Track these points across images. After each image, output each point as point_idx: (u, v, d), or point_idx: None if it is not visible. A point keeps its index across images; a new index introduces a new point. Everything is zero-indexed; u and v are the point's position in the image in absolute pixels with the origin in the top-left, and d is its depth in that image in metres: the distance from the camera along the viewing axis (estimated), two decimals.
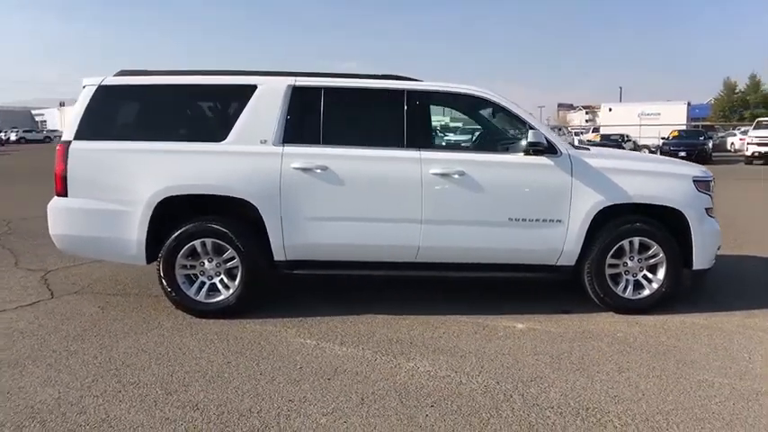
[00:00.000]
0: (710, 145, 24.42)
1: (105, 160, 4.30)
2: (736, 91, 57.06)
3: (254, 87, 4.37)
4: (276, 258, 4.36)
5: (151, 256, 4.35)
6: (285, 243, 4.29)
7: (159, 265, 4.31)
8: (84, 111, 4.32)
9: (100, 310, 4.53)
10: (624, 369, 3.49)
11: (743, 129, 31.62)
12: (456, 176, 4.27)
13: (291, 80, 4.40)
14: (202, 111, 4.57)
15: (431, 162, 4.29)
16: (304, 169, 4.24)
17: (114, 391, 3.16)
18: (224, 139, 4.31)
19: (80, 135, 4.29)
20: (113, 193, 4.26)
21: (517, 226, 4.34)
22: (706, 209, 4.48)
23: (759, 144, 21.31)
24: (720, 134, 35.24)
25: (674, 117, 30.86)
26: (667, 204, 4.38)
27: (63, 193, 4.30)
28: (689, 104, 33.77)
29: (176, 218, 4.32)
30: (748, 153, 21.62)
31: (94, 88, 4.36)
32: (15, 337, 3.95)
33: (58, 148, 4.33)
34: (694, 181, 4.47)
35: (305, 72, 4.51)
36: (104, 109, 4.39)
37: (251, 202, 4.23)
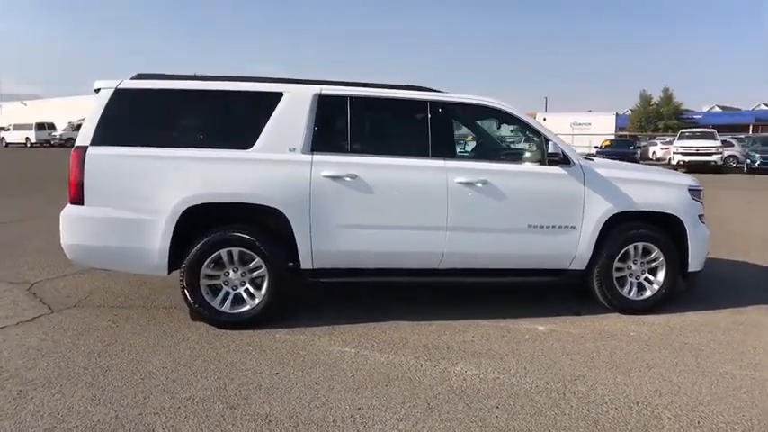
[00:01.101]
0: (639, 154, 26.19)
1: (126, 167, 4.12)
2: (652, 103, 61.41)
3: (279, 95, 4.34)
4: (303, 267, 4.34)
5: (171, 266, 4.21)
6: (313, 251, 4.28)
7: (182, 276, 4.18)
8: (101, 115, 4.13)
9: (112, 324, 4.32)
10: (652, 365, 3.76)
11: (667, 139, 34.00)
12: (479, 185, 4.43)
13: (317, 88, 4.40)
14: (227, 117, 4.46)
15: (456, 171, 4.42)
16: (334, 177, 4.25)
17: (173, 407, 3.05)
18: (251, 147, 4.25)
19: (97, 140, 4.10)
20: (135, 201, 4.10)
21: (535, 232, 4.55)
22: (699, 215, 4.88)
23: (684, 153, 23.11)
24: (643, 143, 37.82)
25: (603, 127, 32.84)
26: (667, 211, 4.74)
27: (78, 200, 4.08)
28: (617, 115, 35.99)
29: (198, 227, 4.21)
30: (674, 162, 23.37)
31: (111, 92, 4.17)
32: (33, 354, 3.71)
33: (72, 153, 4.10)
34: (689, 190, 4.87)
35: (329, 80, 4.52)
36: (122, 113, 4.21)
37: (280, 210, 4.19)
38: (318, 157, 4.28)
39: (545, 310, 4.85)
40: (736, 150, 24.96)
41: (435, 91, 4.69)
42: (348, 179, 4.27)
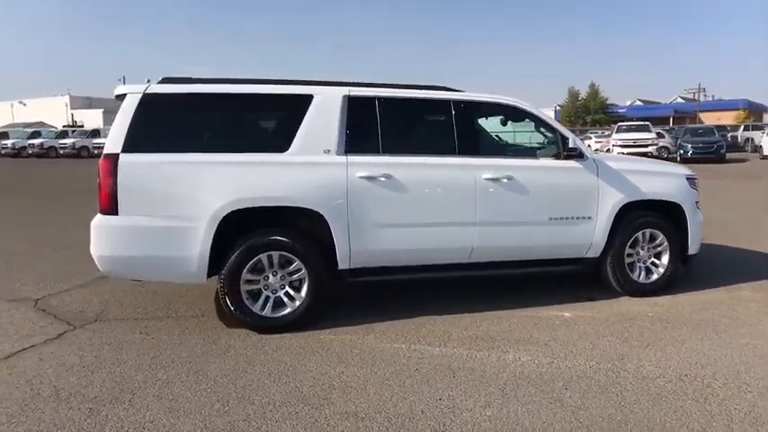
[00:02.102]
0: None
1: (163, 174, 4.01)
2: (579, 98, 64.48)
3: (310, 97, 4.35)
4: (340, 267, 4.38)
5: (209, 273, 4.15)
6: (351, 251, 4.33)
7: (223, 282, 4.12)
8: (131, 121, 4.00)
9: (146, 336, 4.20)
10: (681, 341, 4.07)
11: (600, 132, 35.75)
12: (505, 180, 4.62)
13: (346, 90, 4.44)
14: (260, 120, 4.43)
15: (483, 168, 4.59)
16: (369, 178, 4.32)
17: (258, 413, 3.04)
18: (286, 150, 4.24)
19: (129, 147, 3.97)
20: (172, 208, 4.00)
21: (556, 224, 4.80)
22: (695, 202, 5.29)
23: (622, 145, 24.49)
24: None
25: None
26: (670, 200, 5.12)
27: (112, 210, 3.94)
28: (556, 110, 37.50)
29: (233, 233, 4.16)
30: (614, 154, 24.70)
31: (138, 97, 4.05)
32: (81, 371, 3.56)
33: (102, 162, 3.95)
34: (687, 179, 5.27)
35: (356, 82, 4.57)
36: (152, 119, 4.09)
37: (319, 211, 4.22)
38: (353, 159, 4.33)
39: (562, 297, 5.11)
40: (667, 141, 26.70)
41: (456, 90, 4.84)
42: (383, 179, 4.34)
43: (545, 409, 3.08)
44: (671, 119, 55.86)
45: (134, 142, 3.98)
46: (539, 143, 5.14)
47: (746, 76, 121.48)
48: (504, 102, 4.88)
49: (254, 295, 4.24)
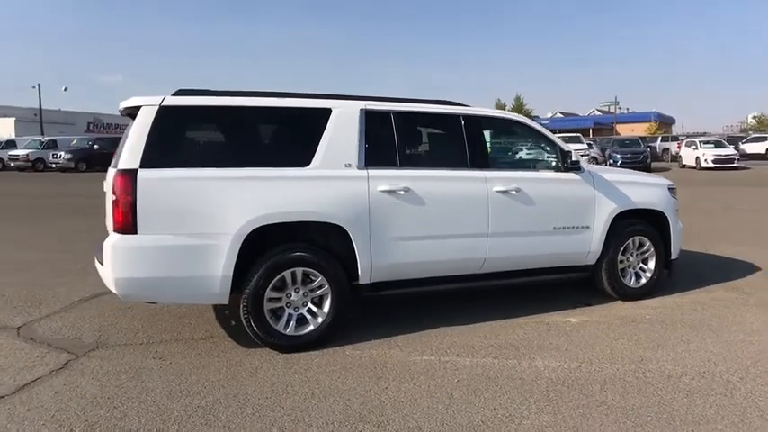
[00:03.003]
0: None
1: (184, 190, 3.84)
2: (506, 110, 67.06)
3: (328, 111, 4.32)
4: (361, 281, 4.35)
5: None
6: (373, 265, 4.32)
7: (246, 302, 3.98)
8: (148, 135, 3.80)
9: (162, 362, 3.98)
10: (686, 341, 4.35)
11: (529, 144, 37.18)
12: (514, 192, 4.77)
13: (362, 104, 4.45)
14: (281, 134, 4.32)
15: (493, 180, 4.73)
16: (389, 191, 4.33)
17: None
18: (308, 164, 4.18)
19: (147, 163, 3.77)
20: (194, 225, 3.84)
21: (559, 233, 5.00)
22: (675, 210, 5.69)
23: None
24: None
25: None
26: (656, 208, 5.47)
27: (130, 229, 3.72)
28: None
29: (253, 250, 4.04)
30: None
31: (155, 110, 3.86)
32: (109, 403, 3.32)
33: (118, 178, 3.73)
34: (668, 189, 5.66)
35: (370, 96, 4.58)
36: (170, 133, 3.91)
37: (343, 226, 4.18)
38: (373, 172, 4.33)
39: (560, 303, 5.32)
40: (595, 152, 28.32)
41: (463, 105, 4.95)
42: (402, 192, 4.37)
43: (595, 412, 3.21)
44: (590, 130, 59.33)
45: (152, 157, 3.79)
46: (536, 156, 5.34)
47: (656, 89, 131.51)
48: (509, 117, 5.07)
49: (277, 314, 4.13)
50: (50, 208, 14.49)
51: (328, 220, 4.14)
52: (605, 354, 4.10)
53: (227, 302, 4.02)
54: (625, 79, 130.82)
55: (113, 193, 3.76)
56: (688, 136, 38.63)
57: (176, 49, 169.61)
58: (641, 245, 5.45)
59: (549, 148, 5.19)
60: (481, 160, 4.79)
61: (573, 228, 5.05)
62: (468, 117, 4.79)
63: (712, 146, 27.96)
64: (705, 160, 26.55)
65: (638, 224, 5.39)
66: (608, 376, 3.70)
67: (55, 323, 4.85)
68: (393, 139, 4.50)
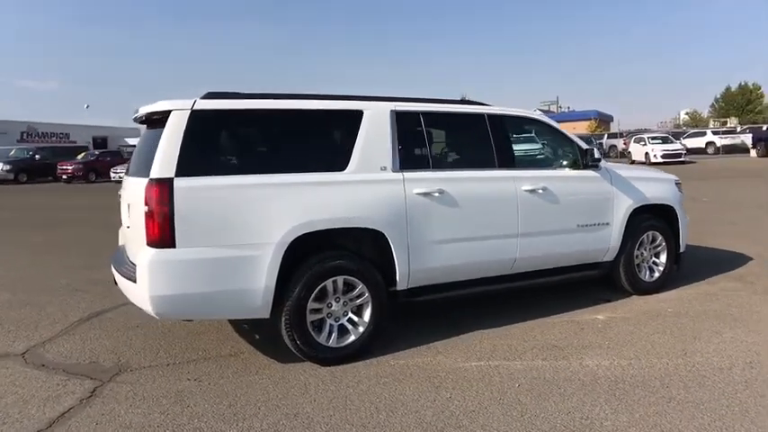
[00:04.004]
0: None
1: (223, 198, 3.59)
2: None
3: (360, 113, 4.17)
4: (399, 287, 4.22)
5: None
6: (411, 270, 4.19)
7: (288, 315, 3.77)
8: (182, 142, 3.54)
9: (199, 383, 3.71)
10: (718, 332, 4.44)
11: None
12: (540, 191, 4.75)
13: (392, 105, 4.32)
14: (316, 138, 4.11)
15: (521, 180, 4.69)
16: (425, 194, 4.22)
17: None
18: (345, 168, 4.01)
19: (183, 171, 3.51)
20: (235, 236, 3.60)
21: (583, 231, 5.03)
22: (682, 204, 5.83)
23: None
24: None
25: None
26: (667, 203, 5.59)
27: (168, 242, 3.44)
28: None
29: (292, 259, 3.84)
30: None
31: (186, 114, 3.60)
32: None
33: (152, 188, 3.45)
34: (676, 184, 5.80)
35: (397, 97, 4.46)
36: (204, 138, 3.66)
37: (382, 231, 4.03)
38: (408, 175, 4.21)
39: (580, 301, 5.33)
40: (547, 152, 29.11)
41: (484, 104, 4.89)
42: (437, 195, 4.27)
43: (668, 408, 3.20)
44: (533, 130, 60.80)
45: (187, 165, 3.53)
46: (556, 154, 5.34)
47: (595, 88, 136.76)
48: (530, 116, 5.06)
49: (318, 326, 3.94)
50: (4, 223, 13.54)
51: (369, 226, 3.99)
52: (648, 349, 4.13)
53: (268, 316, 3.79)
54: (565, 78, 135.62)
55: (146, 204, 3.48)
56: (629, 133, 40.35)
57: (110, 53, 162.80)
58: (654, 239, 5.55)
59: (568, 146, 5.20)
60: (508, 159, 4.75)
61: (595, 225, 5.09)
62: (492, 116, 4.74)
63: (660, 141, 29.29)
64: (654, 155, 27.76)
65: (651, 219, 5.49)
66: (662, 372, 3.71)
67: (62, 347, 4.47)
68: (423, 140, 4.39)
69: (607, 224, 5.16)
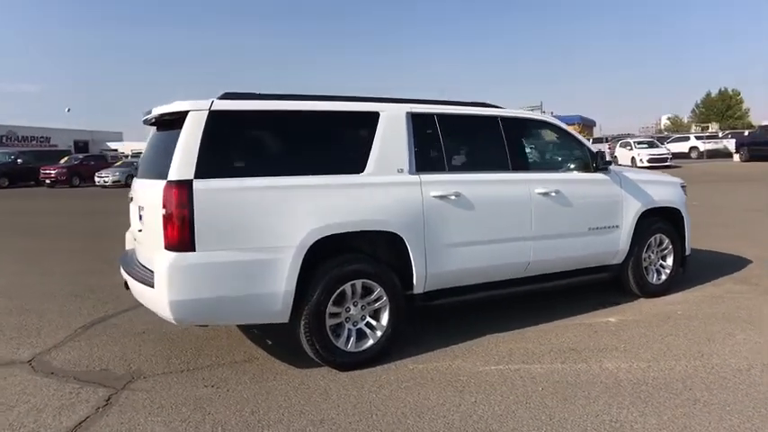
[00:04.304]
0: None
1: (243, 201, 3.53)
2: None
3: (377, 114, 4.13)
4: (415, 291, 4.18)
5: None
6: (428, 273, 4.16)
7: (308, 320, 3.71)
8: (201, 142, 3.47)
9: (217, 390, 3.63)
10: (731, 334, 4.47)
11: None
12: (553, 194, 4.76)
13: (407, 107, 4.29)
14: (334, 139, 4.06)
15: (534, 182, 4.69)
16: (442, 197, 4.20)
17: None
18: (363, 170, 3.98)
19: (202, 173, 3.44)
20: (255, 239, 3.54)
21: (594, 234, 5.04)
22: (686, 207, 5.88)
23: None
24: None
25: None
26: (673, 206, 5.63)
27: (188, 246, 3.37)
28: None
29: (310, 263, 3.78)
30: None
31: (205, 115, 3.54)
32: None
33: (171, 190, 3.38)
34: (681, 186, 5.85)
35: (412, 99, 4.43)
36: (223, 139, 3.60)
37: (400, 234, 4.00)
38: (425, 177, 4.18)
39: (588, 304, 5.33)
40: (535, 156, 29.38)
41: (496, 106, 4.89)
42: (453, 197, 4.25)
43: (696, 410, 3.20)
44: None
45: (206, 167, 3.46)
46: (566, 157, 5.34)
47: (578, 93, 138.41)
48: (540, 118, 5.08)
49: (336, 330, 3.88)
50: None
51: (388, 229, 3.95)
52: (664, 351, 4.14)
53: (287, 320, 3.73)
54: (549, 82, 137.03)
55: (164, 206, 3.40)
56: (613, 138, 40.77)
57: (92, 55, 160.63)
58: (661, 242, 5.59)
59: (578, 149, 5.22)
60: (521, 162, 4.75)
61: (605, 228, 5.10)
62: (505, 119, 4.74)
63: (646, 146, 29.66)
64: (641, 160, 28.09)
65: (658, 222, 5.53)
66: (683, 374, 3.72)
67: (69, 354, 4.35)
68: (439, 142, 4.37)
69: (617, 227, 5.18)
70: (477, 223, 4.37)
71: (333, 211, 3.75)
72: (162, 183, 3.49)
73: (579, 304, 5.32)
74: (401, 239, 4.02)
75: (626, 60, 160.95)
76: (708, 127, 52.47)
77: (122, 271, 4.20)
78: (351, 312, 3.93)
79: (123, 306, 5.63)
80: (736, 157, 30.67)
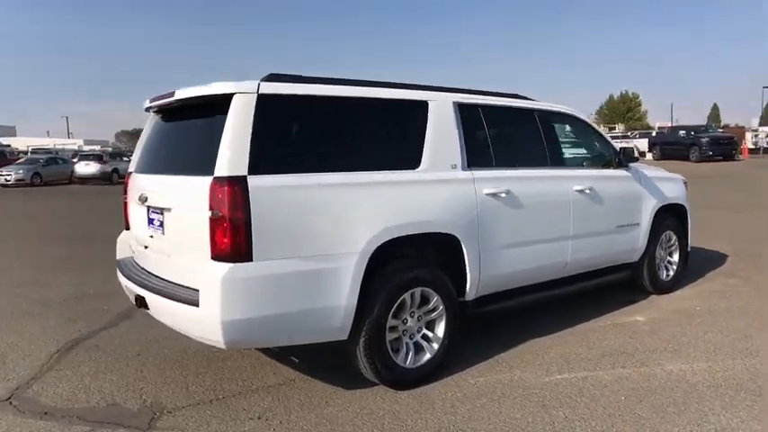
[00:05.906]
0: None
1: (303, 201, 3.01)
2: None
3: (425, 103, 3.74)
4: (467, 298, 3.84)
5: None
6: (481, 277, 3.83)
7: (366, 335, 3.25)
8: (252, 132, 2.92)
9: (266, 421, 3.10)
10: (761, 329, 4.50)
11: None
12: (588, 191, 4.58)
13: (454, 96, 3.93)
14: (389, 131, 3.59)
15: (572, 179, 4.50)
16: (494, 195, 3.88)
17: None
18: (418, 166, 3.57)
19: (255, 168, 2.89)
20: (316, 245, 3.04)
21: (620, 231, 4.93)
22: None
23: None
24: None
25: None
26: (680, 202, 5.67)
27: (243, 255, 2.81)
28: None
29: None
30: None
31: (254, 98, 2.98)
32: None
33: (222, 188, 2.80)
34: (683, 183, 5.91)
35: (454, 88, 4.07)
36: (275, 128, 3.06)
37: (456, 235, 3.64)
38: (477, 174, 3.84)
39: (607, 303, 5.18)
40: None
41: (529, 98, 4.64)
42: (503, 195, 3.95)
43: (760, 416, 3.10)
44: None
45: (259, 161, 2.91)
46: (592, 152, 5.19)
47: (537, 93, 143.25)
48: (570, 112, 4.87)
49: (394, 345, 3.45)
50: None
51: (447, 230, 3.57)
52: (714, 349, 4.07)
53: (346, 337, 3.25)
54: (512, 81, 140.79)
55: (212, 208, 2.82)
56: None
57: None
58: (669, 239, 5.61)
59: (602, 145, 5.10)
60: (558, 158, 4.55)
61: (629, 225, 5.02)
62: (541, 111, 4.51)
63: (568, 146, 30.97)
64: None
65: (668, 219, 5.54)
66: (749, 373, 3.64)
67: (57, 387, 3.60)
68: (485, 135, 4.05)
69: (638, 224, 5.11)
70: (525, 222, 4.10)
71: (394, 212, 3.32)
72: (202, 180, 2.90)
73: (597, 304, 5.17)
74: (457, 241, 3.66)
75: (534, 61, 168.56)
76: (614, 128, 55.91)
77: (130, 284, 3.52)
78: (408, 324, 3.52)
79: (98, 324, 4.86)
80: (650, 156, 32.78)
